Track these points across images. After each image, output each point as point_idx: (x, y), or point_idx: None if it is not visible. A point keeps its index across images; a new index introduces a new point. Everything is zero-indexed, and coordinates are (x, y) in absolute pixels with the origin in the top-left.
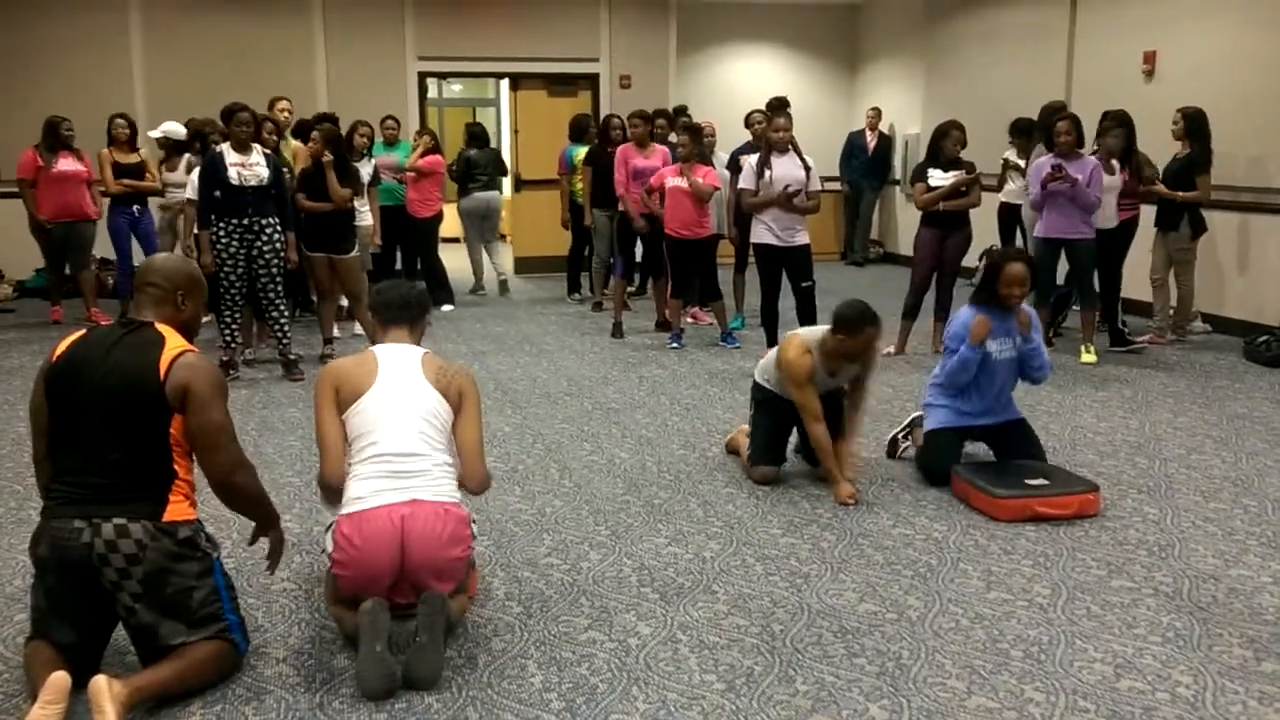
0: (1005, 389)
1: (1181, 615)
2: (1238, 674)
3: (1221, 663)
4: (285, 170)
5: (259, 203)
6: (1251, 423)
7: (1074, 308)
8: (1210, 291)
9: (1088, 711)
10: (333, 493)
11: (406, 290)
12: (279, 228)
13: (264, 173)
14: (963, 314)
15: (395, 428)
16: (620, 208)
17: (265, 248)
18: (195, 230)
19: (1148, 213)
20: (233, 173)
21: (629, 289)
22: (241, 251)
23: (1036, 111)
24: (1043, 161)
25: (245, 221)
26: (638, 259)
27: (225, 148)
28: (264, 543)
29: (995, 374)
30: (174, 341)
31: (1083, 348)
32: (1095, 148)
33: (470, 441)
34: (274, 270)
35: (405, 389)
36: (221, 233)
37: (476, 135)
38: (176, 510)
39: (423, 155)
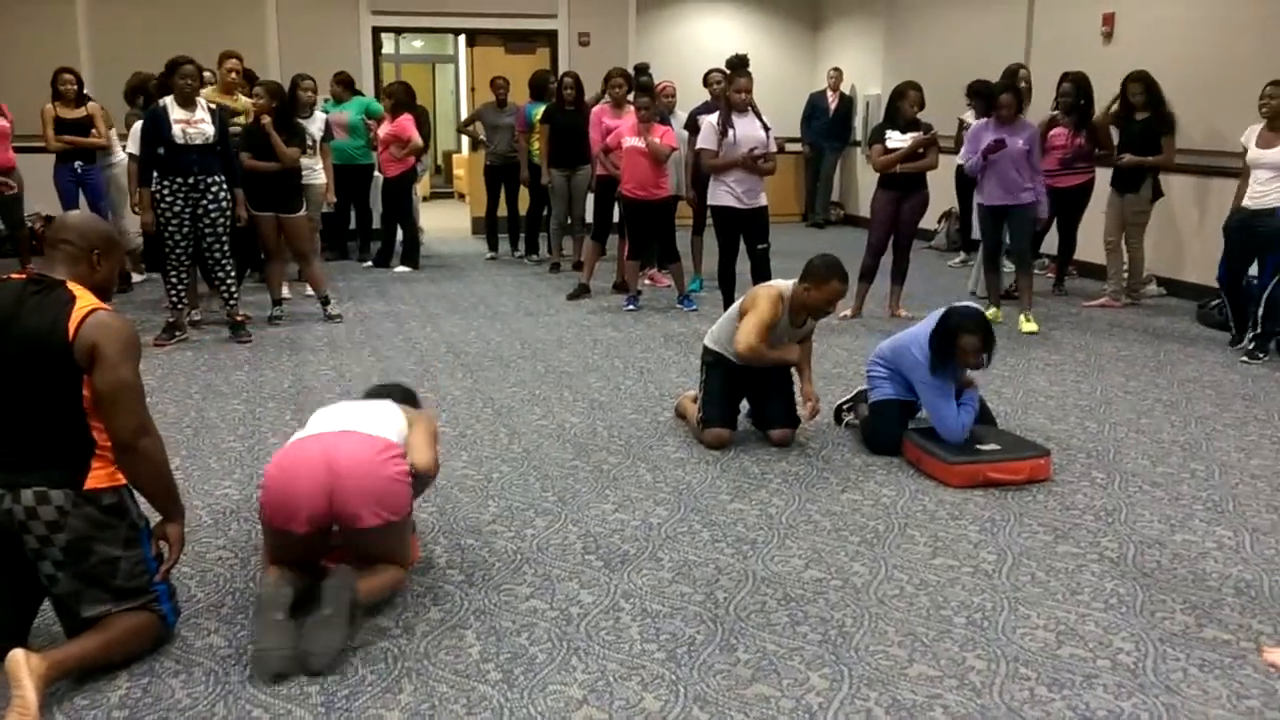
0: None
1: (1125, 581)
2: (1179, 640)
3: (1163, 629)
4: (235, 127)
5: (204, 161)
6: (1202, 386)
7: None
8: (1164, 255)
9: (1028, 679)
10: None
11: (397, 383)
12: (225, 185)
13: (209, 130)
14: (919, 357)
15: (348, 408)
16: (599, 170)
17: (210, 206)
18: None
19: (1102, 176)
20: (177, 130)
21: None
22: (186, 211)
23: (995, 73)
24: (978, 126)
25: (190, 180)
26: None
27: (168, 102)
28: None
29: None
30: (85, 300)
31: (1022, 316)
32: (1055, 107)
33: (420, 435)
34: (219, 230)
35: (370, 402)
36: (165, 191)
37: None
38: (99, 477)
39: (393, 117)
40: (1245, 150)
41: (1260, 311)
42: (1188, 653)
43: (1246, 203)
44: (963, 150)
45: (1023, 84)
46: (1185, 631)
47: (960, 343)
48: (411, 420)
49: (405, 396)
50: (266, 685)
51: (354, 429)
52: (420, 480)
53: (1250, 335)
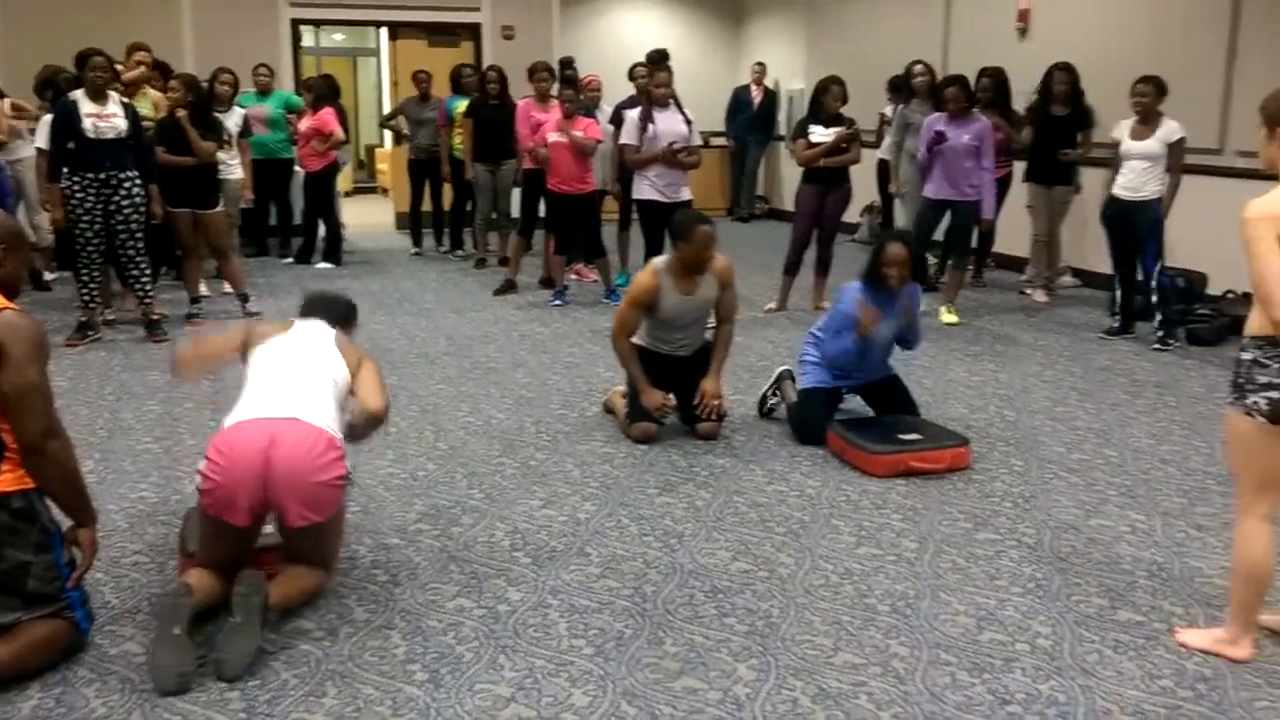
0: (882, 358)
1: (1042, 566)
2: (1094, 623)
3: (1079, 612)
4: (147, 120)
5: (116, 155)
6: (1115, 374)
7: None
8: (1080, 246)
9: (949, 664)
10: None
11: (335, 295)
12: (139, 181)
13: (121, 124)
14: (851, 291)
15: (289, 373)
16: (526, 164)
17: (124, 203)
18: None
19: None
20: (88, 124)
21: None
22: (98, 207)
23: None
24: (931, 119)
25: (102, 175)
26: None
27: (79, 96)
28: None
29: (874, 349)
30: None
31: (944, 308)
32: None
33: (369, 379)
34: (133, 226)
35: (312, 347)
36: (76, 187)
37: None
38: (7, 480)
39: (313, 111)
40: (1118, 143)
41: (1155, 299)
42: (1103, 635)
43: (1122, 193)
44: (919, 148)
45: (917, 79)
46: (1100, 614)
47: (886, 253)
48: (354, 363)
49: (346, 315)
50: (183, 693)
51: (299, 414)
52: (376, 425)
53: (1157, 323)
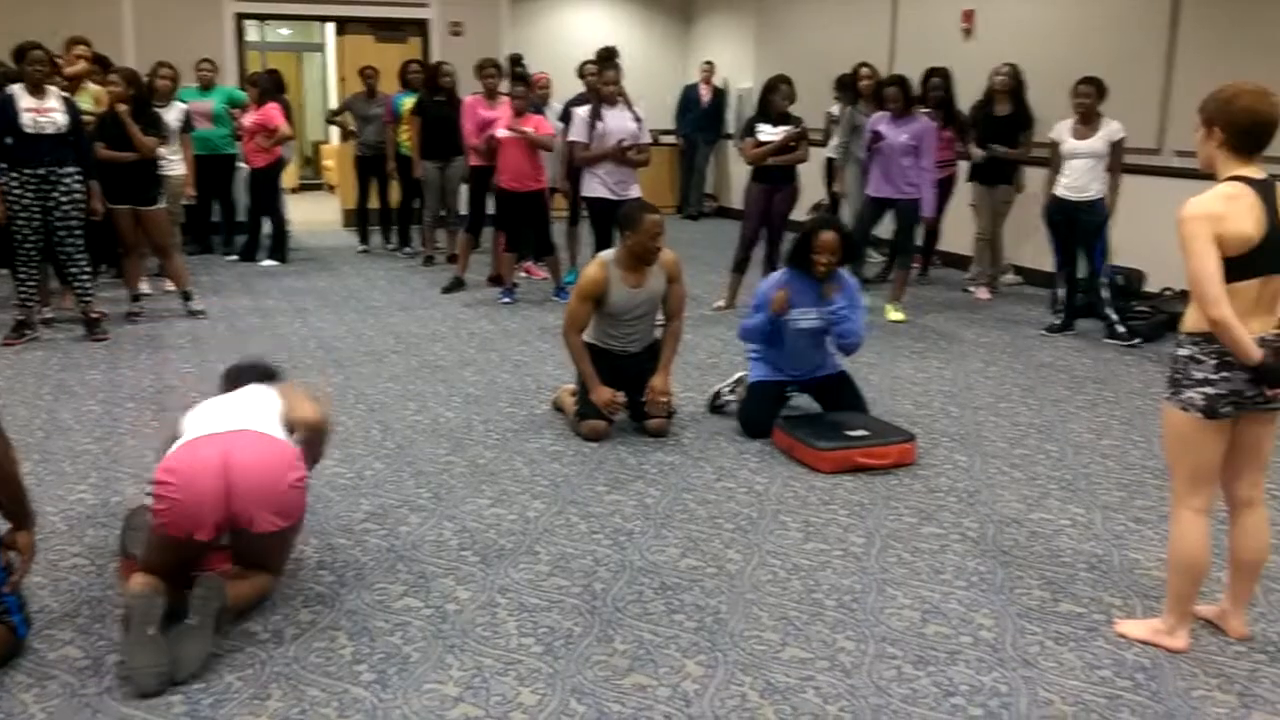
0: (813, 351)
1: (986, 560)
2: (1036, 615)
3: (1021, 605)
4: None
5: (56, 151)
6: (1056, 371)
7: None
8: (1022, 244)
9: (895, 658)
10: None
11: (254, 360)
12: (79, 177)
13: (61, 119)
14: (774, 276)
15: (229, 405)
16: (473, 161)
17: (63, 199)
18: None
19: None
20: (26, 119)
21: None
22: (36, 204)
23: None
24: (875, 118)
25: (41, 171)
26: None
27: (17, 90)
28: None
29: (798, 339)
30: None
31: (889, 306)
32: (922, 102)
33: (297, 396)
34: (73, 223)
35: (244, 391)
36: (14, 183)
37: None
38: None
39: (258, 106)
40: (1057, 143)
41: (1107, 294)
42: (1044, 626)
43: (1066, 194)
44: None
45: (863, 81)
46: (1042, 606)
47: (818, 238)
48: (283, 393)
49: (265, 376)
50: (127, 697)
51: (248, 425)
52: (320, 436)
53: (1115, 319)
